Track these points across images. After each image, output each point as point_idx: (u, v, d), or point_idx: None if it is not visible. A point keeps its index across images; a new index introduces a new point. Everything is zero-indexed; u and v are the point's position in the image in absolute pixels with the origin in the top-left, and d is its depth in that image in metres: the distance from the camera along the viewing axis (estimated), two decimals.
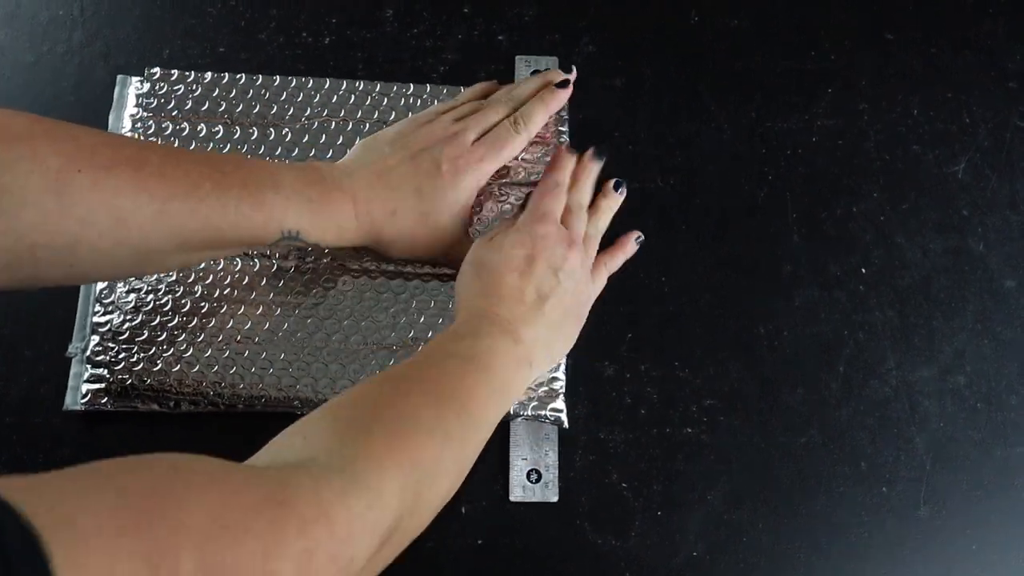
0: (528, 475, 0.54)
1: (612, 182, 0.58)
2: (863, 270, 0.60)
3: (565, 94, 0.59)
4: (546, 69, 0.62)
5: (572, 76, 0.60)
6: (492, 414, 0.47)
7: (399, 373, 0.45)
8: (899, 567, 0.54)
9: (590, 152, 0.58)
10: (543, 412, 0.54)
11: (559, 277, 0.51)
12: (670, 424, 0.56)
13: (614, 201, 0.59)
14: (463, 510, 0.53)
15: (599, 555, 0.53)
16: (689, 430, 0.56)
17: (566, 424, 0.55)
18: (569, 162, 0.57)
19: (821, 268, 0.60)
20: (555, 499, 0.54)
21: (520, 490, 0.54)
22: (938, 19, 0.67)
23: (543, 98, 0.58)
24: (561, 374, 0.55)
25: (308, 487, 0.35)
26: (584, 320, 0.54)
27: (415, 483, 0.39)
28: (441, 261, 0.56)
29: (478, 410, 0.45)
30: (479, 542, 0.53)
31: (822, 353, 0.58)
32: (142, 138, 0.59)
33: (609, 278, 0.57)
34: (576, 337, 0.54)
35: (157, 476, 0.31)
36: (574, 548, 0.53)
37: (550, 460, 0.54)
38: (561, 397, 0.55)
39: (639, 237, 0.59)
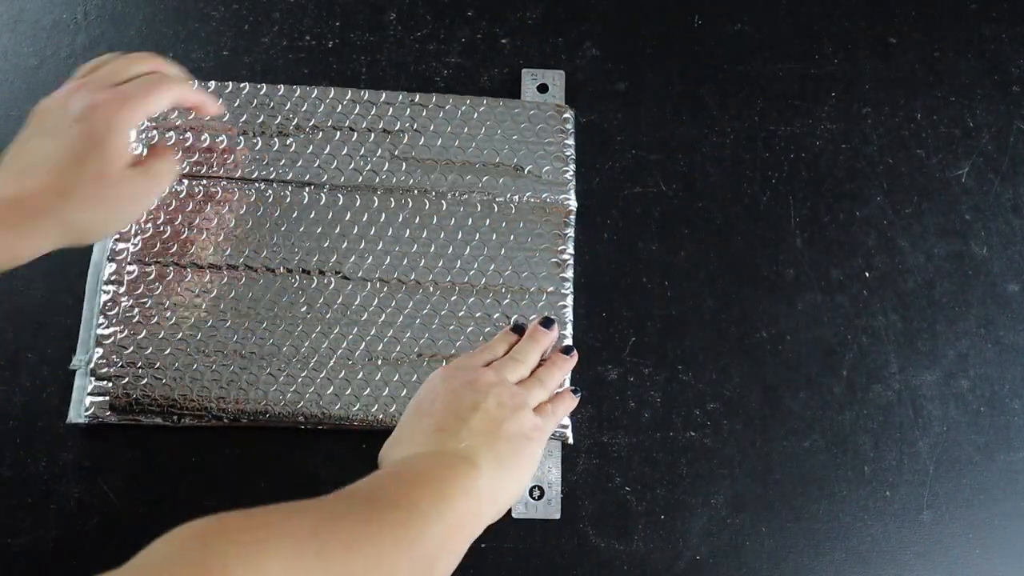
0: (531, 492, 0.54)
1: (563, 346, 0.54)
2: (866, 274, 0.60)
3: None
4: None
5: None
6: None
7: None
8: (902, 571, 0.54)
9: (536, 323, 0.54)
10: None
11: (477, 397, 0.46)
12: (673, 428, 0.56)
13: (565, 364, 0.53)
14: None
15: (602, 559, 0.53)
16: (692, 434, 0.56)
17: (571, 440, 0.55)
18: (506, 338, 0.53)
19: (824, 272, 0.60)
20: (557, 516, 0.54)
21: (522, 507, 0.54)
22: (941, 23, 0.67)
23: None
24: (567, 382, 0.55)
25: None
26: (524, 444, 0.47)
27: None
28: None
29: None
30: (482, 545, 0.53)
31: (825, 357, 0.58)
32: (146, 148, 0.58)
33: (613, 284, 0.56)
34: (522, 454, 0.46)
35: None
36: (577, 552, 0.53)
37: (553, 477, 0.54)
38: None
39: (575, 390, 0.53)
